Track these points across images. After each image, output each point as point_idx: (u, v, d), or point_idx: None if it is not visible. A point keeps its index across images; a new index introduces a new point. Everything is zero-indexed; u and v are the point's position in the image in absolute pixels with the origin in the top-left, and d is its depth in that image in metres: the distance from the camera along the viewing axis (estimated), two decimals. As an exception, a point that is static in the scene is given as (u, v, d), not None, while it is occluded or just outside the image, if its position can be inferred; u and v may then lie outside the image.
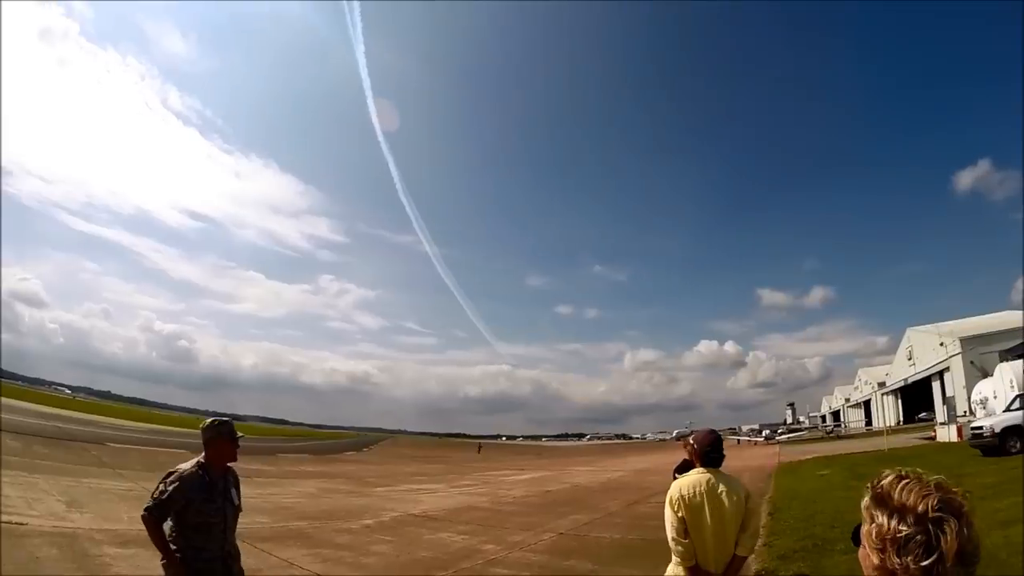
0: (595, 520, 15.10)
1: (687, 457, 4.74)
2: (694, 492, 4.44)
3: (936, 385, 57.99)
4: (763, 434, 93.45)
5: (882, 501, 1.44)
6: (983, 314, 59.03)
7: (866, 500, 1.51)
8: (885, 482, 1.48)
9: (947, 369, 53.89)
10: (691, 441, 4.79)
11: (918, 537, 1.33)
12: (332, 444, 75.80)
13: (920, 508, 1.35)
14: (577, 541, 12.13)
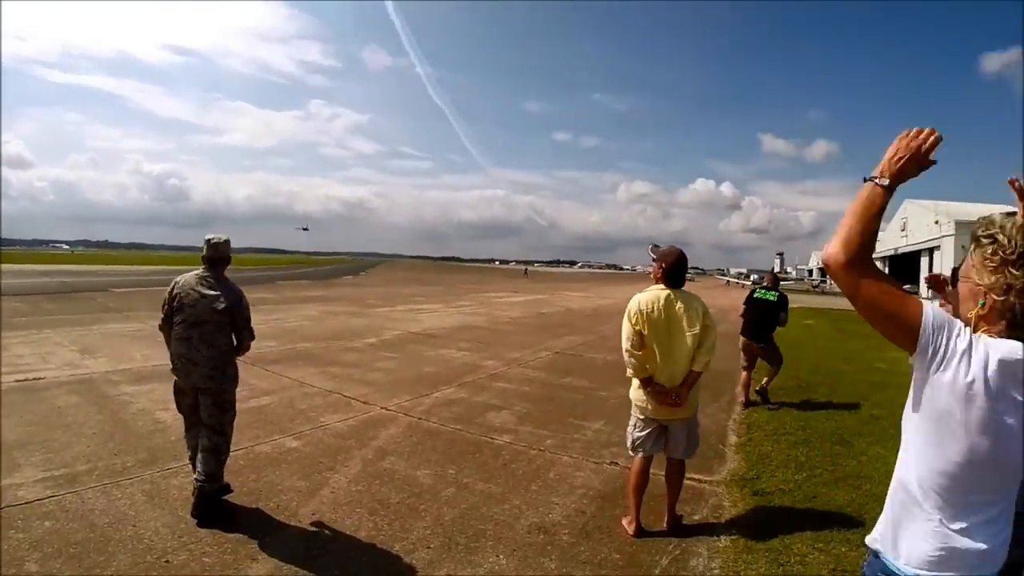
0: (589, 342, 15.68)
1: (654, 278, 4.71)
2: (652, 308, 4.46)
3: (924, 260, 58.28)
4: (751, 279, 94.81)
5: (999, 227, 1.63)
6: (986, 203, 57.81)
7: (979, 230, 1.68)
8: (996, 216, 1.69)
9: (938, 247, 53.91)
10: (659, 257, 4.67)
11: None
12: (329, 270, 76.59)
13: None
14: (573, 360, 12.60)
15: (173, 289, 4.83)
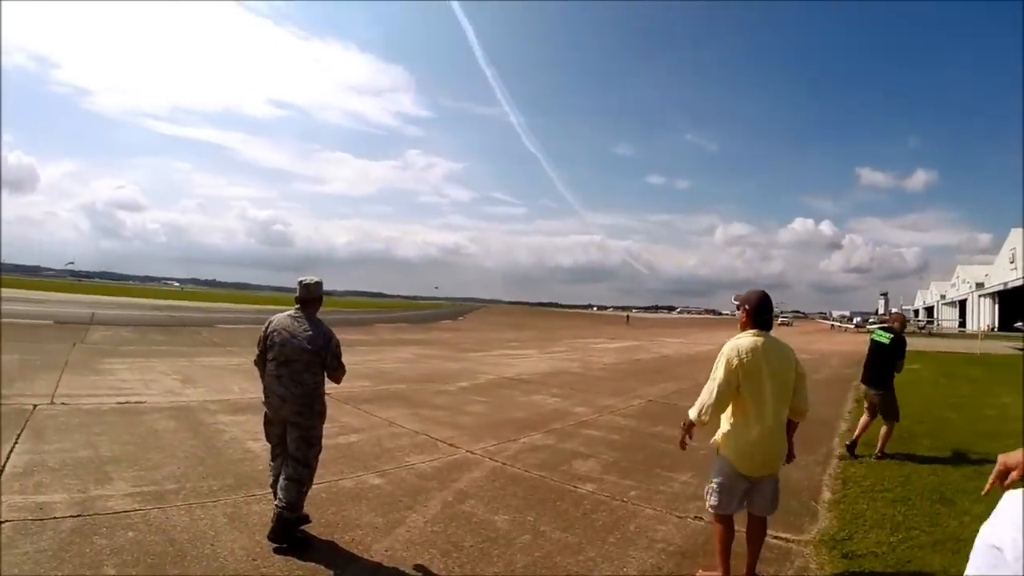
0: (683, 389, 15.16)
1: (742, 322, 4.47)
2: (750, 355, 4.20)
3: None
4: (854, 321, 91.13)
5: None
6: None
7: None
8: None
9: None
10: (742, 301, 4.47)
11: None
12: (428, 314, 77.91)
13: None
14: (666, 409, 12.24)
15: (268, 327, 5.12)
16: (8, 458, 6.47)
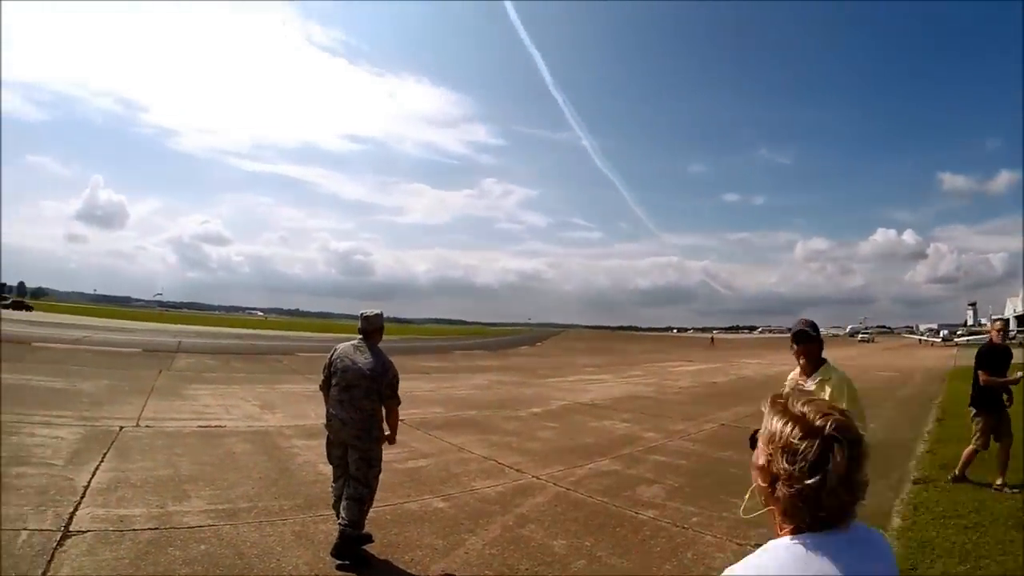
0: (757, 412, 14.87)
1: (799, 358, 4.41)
2: (787, 386, 4.19)
3: None
4: (940, 335, 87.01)
5: (782, 408, 1.45)
6: None
7: (767, 404, 1.52)
8: (778, 394, 1.52)
9: None
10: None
11: (808, 450, 1.32)
12: (506, 340, 78.17)
13: (817, 423, 1.34)
14: (737, 433, 12.03)
15: (332, 355, 5.54)
16: (94, 474, 7.02)
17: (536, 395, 18.05)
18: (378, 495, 5.46)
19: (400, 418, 5.55)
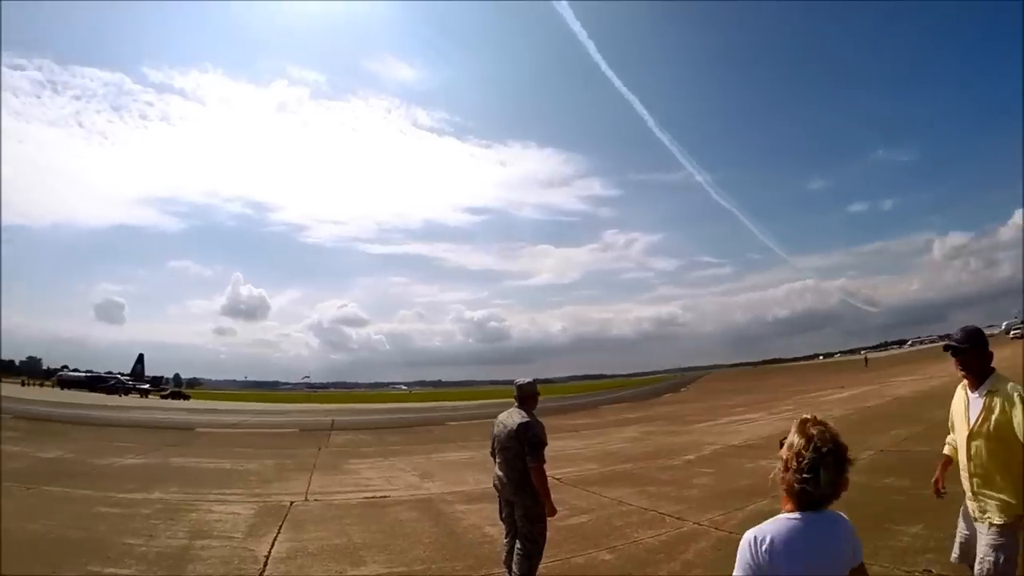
0: (916, 434, 14.01)
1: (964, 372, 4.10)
2: (953, 403, 4.12)
3: None
4: None
5: (801, 428, 2.28)
6: None
7: (795, 423, 2.33)
8: (808, 416, 2.33)
9: None
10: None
11: (810, 458, 2.16)
12: (649, 390, 76.91)
13: (818, 443, 2.20)
14: (896, 458, 11.45)
15: (495, 421, 5.99)
16: (273, 544, 7.63)
17: (688, 442, 17.75)
18: (546, 552, 5.65)
19: (556, 477, 5.77)
